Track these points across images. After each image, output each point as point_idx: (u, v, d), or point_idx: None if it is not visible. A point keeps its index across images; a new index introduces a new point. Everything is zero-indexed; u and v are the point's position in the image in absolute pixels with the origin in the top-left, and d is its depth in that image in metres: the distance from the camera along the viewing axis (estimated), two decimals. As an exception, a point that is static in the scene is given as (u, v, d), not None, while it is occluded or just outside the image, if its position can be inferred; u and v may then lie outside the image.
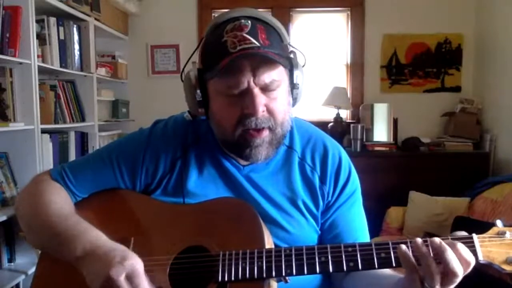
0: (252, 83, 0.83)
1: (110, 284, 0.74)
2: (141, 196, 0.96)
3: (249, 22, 0.83)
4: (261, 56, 0.81)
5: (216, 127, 0.91)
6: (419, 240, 0.74)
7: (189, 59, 0.93)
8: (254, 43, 0.81)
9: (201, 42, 0.90)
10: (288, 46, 0.90)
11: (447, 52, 3.42)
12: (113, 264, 0.75)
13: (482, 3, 3.32)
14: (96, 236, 0.83)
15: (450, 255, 0.71)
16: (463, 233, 0.77)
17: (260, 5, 3.41)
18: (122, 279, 0.74)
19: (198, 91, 0.88)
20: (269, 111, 0.86)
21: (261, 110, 0.84)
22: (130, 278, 0.75)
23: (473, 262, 0.73)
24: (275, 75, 0.84)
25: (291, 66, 0.89)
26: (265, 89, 0.84)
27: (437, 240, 0.73)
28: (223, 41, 0.82)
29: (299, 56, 0.91)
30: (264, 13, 0.89)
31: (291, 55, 0.89)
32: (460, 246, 0.73)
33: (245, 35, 0.81)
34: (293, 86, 0.91)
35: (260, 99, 0.83)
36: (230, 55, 0.81)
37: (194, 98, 0.89)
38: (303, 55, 0.92)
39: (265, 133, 0.86)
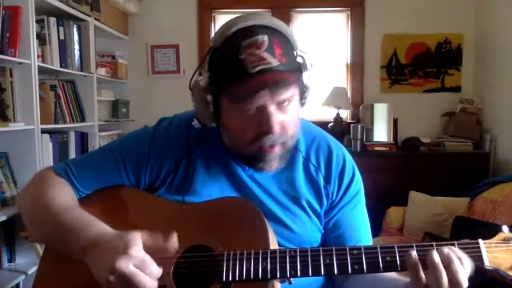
0: (268, 102, 0.83)
1: (119, 274, 0.71)
2: (145, 193, 0.96)
3: (266, 37, 0.81)
4: (279, 79, 0.81)
5: (229, 138, 0.91)
6: (434, 252, 0.74)
7: (198, 68, 0.92)
8: (271, 63, 0.80)
9: (210, 50, 0.88)
10: (298, 51, 0.89)
11: (447, 52, 3.43)
12: (118, 255, 0.71)
13: (482, 3, 3.33)
14: (99, 227, 0.81)
15: (457, 265, 0.72)
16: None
17: (260, 5, 3.40)
18: (130, 269, 0.71)
19: (210, 102, 0.87)
20: (283, 127, 0.86)
21: (277, 128, 0.84)
22: (138, 266, 0.72)
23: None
24: (290, 91, 0.84)
25: (301, 74, 0.88)
26: (281, 104, 0.84)
27: (445, 250, 0.74)
28: (241, 59, 0.80)
29: (307, 59, 0.89)
30: (276, 20, 0.87)
31: (301, 61, 0.88)
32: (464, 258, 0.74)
33: (263, 54, 0.80)
34: (303, 93, 0.90)
35: (276, 117, 0.84)
36: (249, 77, 0.80)
37: (206, 108, 0.88)
38: (310, 59, 0.91)
39: (278, 149, 0.87)
